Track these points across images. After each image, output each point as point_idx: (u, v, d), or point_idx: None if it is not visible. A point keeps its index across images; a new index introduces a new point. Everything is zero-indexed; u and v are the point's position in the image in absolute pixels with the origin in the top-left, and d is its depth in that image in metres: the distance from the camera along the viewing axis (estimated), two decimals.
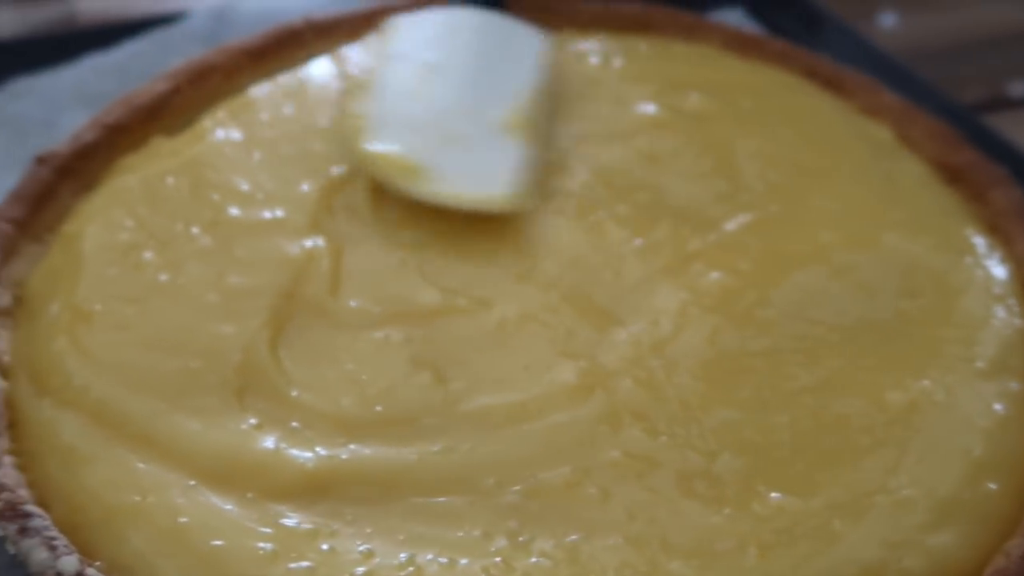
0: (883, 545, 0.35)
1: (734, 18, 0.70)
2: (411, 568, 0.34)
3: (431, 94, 0.53)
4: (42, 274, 0.46)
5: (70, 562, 0.33)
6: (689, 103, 0.57)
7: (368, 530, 0.36)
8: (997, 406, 0.40)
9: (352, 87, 0.55)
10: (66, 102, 0.64)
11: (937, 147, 0.54)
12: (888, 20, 0.82)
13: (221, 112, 0.54)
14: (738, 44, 0.62)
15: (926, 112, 0.56)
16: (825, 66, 0.60)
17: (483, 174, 0.49)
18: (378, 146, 0.49)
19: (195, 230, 0.47)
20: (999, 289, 0.46)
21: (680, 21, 0.64)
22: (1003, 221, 0.49)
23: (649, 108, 0.56)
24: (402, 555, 0.35)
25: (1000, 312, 0.44)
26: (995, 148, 0.55)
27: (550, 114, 0.55)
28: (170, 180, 0.50)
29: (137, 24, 0.70)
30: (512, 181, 0.49)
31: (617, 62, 0.60)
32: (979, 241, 0.48)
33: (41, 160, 0.51)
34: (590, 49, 0.61)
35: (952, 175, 0.53)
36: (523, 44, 0.57)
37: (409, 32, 0.57)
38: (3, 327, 0.44)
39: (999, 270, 0.47)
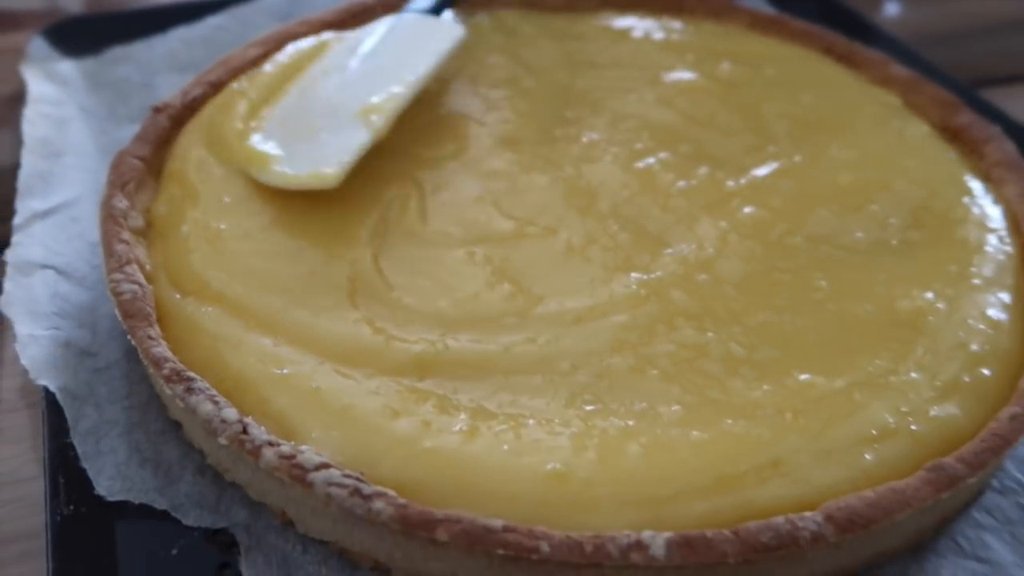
0: (895, 413, 0.42)
1: (755, 4, 0.78)
2: (508, 423, 0.42)
3: (313, 94, 0.57)
4: (166, 202, 0.53)
5: (231, 413, 0.41)
6: (721, 71, 0.64)
7: (467, 397, 0.43)
8: (991, 312, 0.48)
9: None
10: (160, 67, 0.71)
11: (940, 111, 0.62)
12: (893, 9, 0.91)
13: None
14: (762, 24, 0.70)
15: (930, 82, 0.64)
16: (840, 43, 0.68)
17: (313, 158, 0.52)
18: (246, 143, 0.54)
19: None
20: (992, 223, 0.53)
21: (709, 3, 0.72)
22: (996, 170, 0.57)
23: (687, 75, 0.64)
24: (499, 414, 0.42)
25: (993, 240, 0.52)
26: (987, 113, 0.63)
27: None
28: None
29: (217, 3, 0.77)
30: (334, 162, 0.52)
31: (657, 36, 0.68)
32: (976, 185, 0.56)
33: (158, 110, 0.58)
34: (632, 25, 0.69)
35: (953, 134, 0.61)
36: (429, 40, 0.61)
37: (334, 48, 0.62)
38: (139, 244, 0.51)
39: (992, 208, 0.54)
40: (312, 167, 0.52)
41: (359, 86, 0.57)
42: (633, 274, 0.50)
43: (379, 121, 0.54)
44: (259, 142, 0.55)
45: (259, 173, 0.53)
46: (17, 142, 0.60)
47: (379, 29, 0.62)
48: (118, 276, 0.47)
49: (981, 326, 0.47)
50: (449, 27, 0.63)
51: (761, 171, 0.57)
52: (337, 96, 0.57)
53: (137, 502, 0.42)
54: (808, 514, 0.38)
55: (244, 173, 0.54)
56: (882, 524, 0.38)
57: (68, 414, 0.44)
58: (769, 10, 0.74)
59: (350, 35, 0.63)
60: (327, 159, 0.52)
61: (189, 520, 0.41)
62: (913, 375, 0.44)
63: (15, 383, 0.50)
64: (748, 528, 0.37)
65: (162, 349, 0.44)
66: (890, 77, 0.65)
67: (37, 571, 0.41)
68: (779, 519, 0.38)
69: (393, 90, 0.56)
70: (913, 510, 0.38)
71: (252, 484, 0.42)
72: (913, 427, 0.42)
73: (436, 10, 0.64)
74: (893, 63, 0.65)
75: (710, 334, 0.47)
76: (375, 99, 0.56)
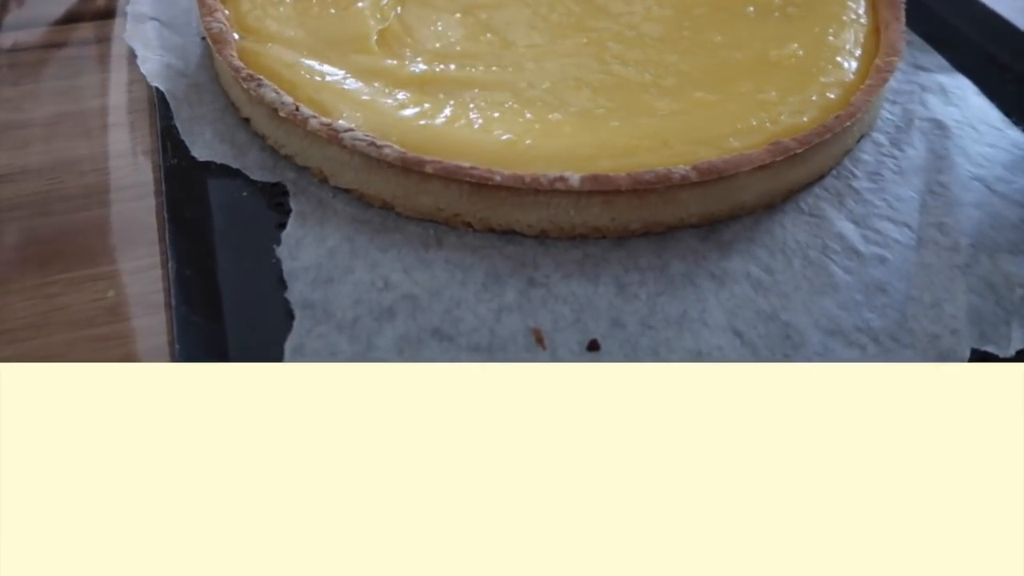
0: (757, 117, 0.59)
1: None
2: (480, 114, 0.59)
3: None
4: None
5: (288, 99, 0.58)
6: None
7: (454, 100, 0.61)
8: (839, 58, 0.65)
9: None
10: None
11: None
12: None
13: None
14: None
15: None
16: None
17: None
18: None
19: None
20: (854, 4, 0.70)
21: None
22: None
23: None
24: (474, 109, 0.60)
25: (851, 15, 0.68)
26: None
27: None
28: None
29: None
30: None
31: None
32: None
33: None
34: None
35: None
36: None
37: None
38: (219, 5, 0.68)
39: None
40: None
41: None
42: (581, 31, 0.67)
43: None
44: None
45: None
46: None
47: None
48: (209, 19, 0.64)
49: (830, 67, 0.64)
50: None
51: None
52: None
53: (219, 162, 0.60)
54: (681, 166, 0.56)
55: None
56: (732, 174, 0.56)
57: (172, 107, 0.62)
58: None
59: None
60: None
61: (255, 176, 0.60)
62: (773, 94, 0.62)
63: (123, 100, 0.68)
64: (637, 171, 0.55)
65: (239, 63, 0.62)
66: None
67: (146, 206, 0.59)
68: (660, 168, 0.55)
69: None
70: (754, 167, 0.56)
71: (299, 153, 0.60)
72: (768, 125, 0.59)
73: None
74: None
75: (631, 68, 0.64)
76: None
